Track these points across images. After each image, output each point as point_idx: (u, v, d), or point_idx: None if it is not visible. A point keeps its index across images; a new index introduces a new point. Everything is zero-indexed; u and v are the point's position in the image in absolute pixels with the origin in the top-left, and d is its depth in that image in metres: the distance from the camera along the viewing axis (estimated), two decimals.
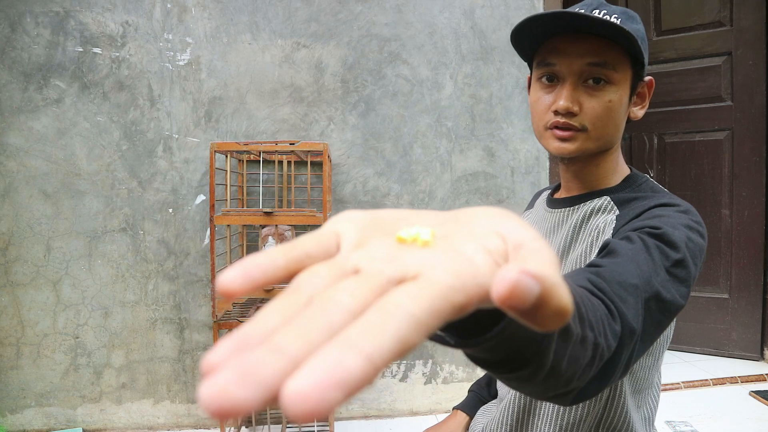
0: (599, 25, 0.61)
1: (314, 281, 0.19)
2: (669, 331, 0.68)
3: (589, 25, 0.63)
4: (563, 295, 0.18)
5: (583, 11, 0.64)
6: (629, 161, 2.52)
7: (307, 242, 0.21)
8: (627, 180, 0.71)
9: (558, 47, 0.66)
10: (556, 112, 0.66)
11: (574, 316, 0.35)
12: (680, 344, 2.38)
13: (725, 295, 2.30)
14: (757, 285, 2.23)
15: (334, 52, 1.87)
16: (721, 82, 2.27)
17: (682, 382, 2.06)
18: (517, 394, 0.73)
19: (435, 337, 0.28)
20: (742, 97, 2.23)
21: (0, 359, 1.82)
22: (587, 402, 0.66)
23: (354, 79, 1.88)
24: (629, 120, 0.71)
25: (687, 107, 2.35)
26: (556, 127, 0.67)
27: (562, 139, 0.67)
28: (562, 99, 0.65)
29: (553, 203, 0.77)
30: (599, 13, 0.65)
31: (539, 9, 1.92)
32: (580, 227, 0.69)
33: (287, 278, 0.20)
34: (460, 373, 1.97)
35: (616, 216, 0.65)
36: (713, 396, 1.99)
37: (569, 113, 0.65)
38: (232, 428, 1.69)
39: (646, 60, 0.67)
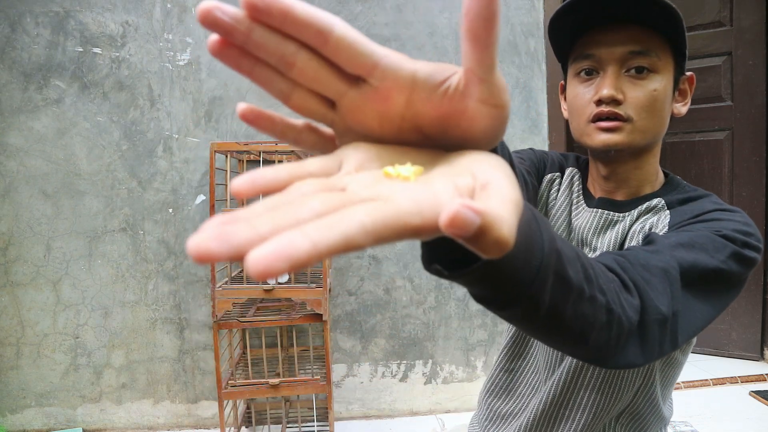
0: (643, 2, 0.58)
1: (302, 188, 0.23)
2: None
3: (632, 6, 0.60)
4: (503, 230, 0.20)
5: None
6: None
7: (312, 163, 0.26)
8: (669, 183, 0.70)
9: (596, 38, 0.64)
10: (599, 102, 0.63)
11: (579, 273, 0.37)
12: None
13: None
14: (757, 285, 2.23)
15: None
16: (721, 82, 2.27)
17: (682, 382, 2.07)
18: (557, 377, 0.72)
19: (432, 270, 0.32)
20: (742, 97, 2.23)
21: (0, 359, 1.82)
22: (619, 387, 0.66)
23: None
24: (672, 118, 0.69)
25: None
26: (600, 118, 0.64)
27: (608, 130, 0.63)
28: (605, 87, 0.62)
29: (598, 203, 0.72)
30: None
31: (539, 9, 1.92)
32: (631, 226, 0.67)
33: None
34: (460, 373, 1.97)
35: (670, 213, 0.63)
36: (713, 396, 1.99)
37: (614, 101, 0.62)
38: (232, 428, 1.69)
39: (687, 54, 0.65)
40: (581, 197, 0.75)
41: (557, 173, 0.79)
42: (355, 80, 0.28)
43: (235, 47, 0.26)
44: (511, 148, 1.87)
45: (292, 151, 1.57)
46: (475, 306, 1.96)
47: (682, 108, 0.69)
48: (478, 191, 0.23)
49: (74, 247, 1.82)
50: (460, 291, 1.95)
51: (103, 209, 1.83)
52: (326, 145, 0.32)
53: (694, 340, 0.67)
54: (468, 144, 0.29)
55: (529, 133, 1.95)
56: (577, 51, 0.67)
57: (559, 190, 0.78)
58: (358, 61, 0.26)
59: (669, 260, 0.50)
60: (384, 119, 0.29)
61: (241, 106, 0.30)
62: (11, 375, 1.83)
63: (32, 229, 1.81)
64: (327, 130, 0.32)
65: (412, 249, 1.93)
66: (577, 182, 0.76)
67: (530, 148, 0.80)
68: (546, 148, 1.96)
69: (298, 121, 0.32)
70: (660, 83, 0.63)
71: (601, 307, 0.40)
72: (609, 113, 0.63)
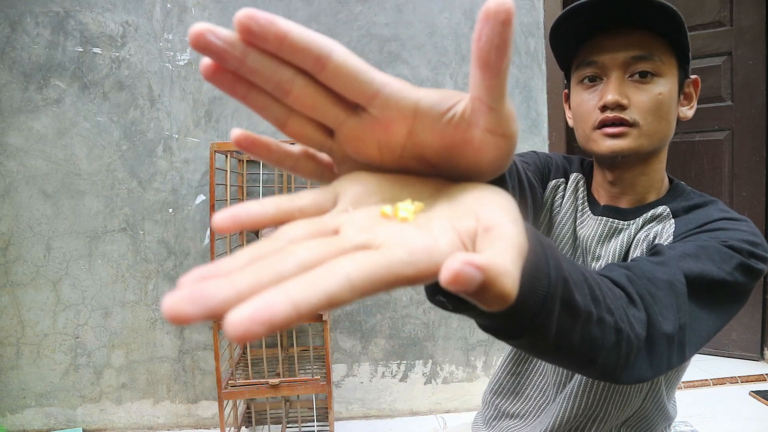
0: (645, 5, 0.58)
1: (292, 233, 0.22)
2: None
3: (634, 8, 0.59)
4: (506, 283, 0.19)
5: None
6: None
7: (303, 198, 0.24)
8: (674, 190, 0.69)
9: (598, 44, 0.64)
10: (604, 108, 0.62)
11: (587, 297, 0.37)
12: None
13: None
14: (757, 285, 2.23)
15: None
16: (721, 82, 2.27)
17: (682, 382, 2.07)
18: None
19: (436, 302, 0.31)
20: (742, 97, 2.23)
21: (0, 359, 1.82)
22: (629, 393, 0.66)
23: None
24: (678, 122, 0.68)
25: None
26: (605, 124, 0.63)
27: (614, 136, 0.62)
28: (610, 93, 0.62)
29: (603, 211, 0.71)
30: None
31: (539, 9, 1.92)
32: (636, 234, 0.66)
33: (275, 225, 0.23)
34: (460, 373, 1.97)
35: (675, 222, 0.62)
36: (713, 396, 1.99)
37: (619, 106, 0.62)
38: (232, 428, 1.69)
39: (690, 54, 0.64)
40: (586, 204, 0.74)
41: (561, 179, 0.77)
42: (355, 108, 0.27)
43: (228, 72, 0.25)
44: None
45: None
46: None
47: (688, 111, 0.69)
48: (481, 234, 0.22)
49: (74, 247, 1.82)
50: None
51: (103, 209, 1.83)
52: (324, 173, 0.31)
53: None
54: (473, 174, 0.28)
55: (529, 133, 1.95)
56: (579, 58, 0.66)
57: (564, 196, 0.76)
58: (358, 89, 0.25)
59: (675, 272, 0.49)
60: (384, 149, 0.28)
61: (236, 133, 0.29)
62: (11, 375, 1.83)
63: (32, 229, 1.81)
64: (325, 157, 0.31)
65: None
66: (582, 188, 0.75)
67: (533, 151, 0.79)
68: (546, 148, 1.96)
69: (295, 148, 0.31)
70: (665, 87, 0.62)
71: (609, 328, 0.39)
72: (614, 119, 0.62)
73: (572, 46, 0.67)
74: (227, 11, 1.83)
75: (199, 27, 0.23)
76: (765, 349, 2.25)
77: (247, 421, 1.85)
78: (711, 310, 0.51)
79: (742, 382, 2.07)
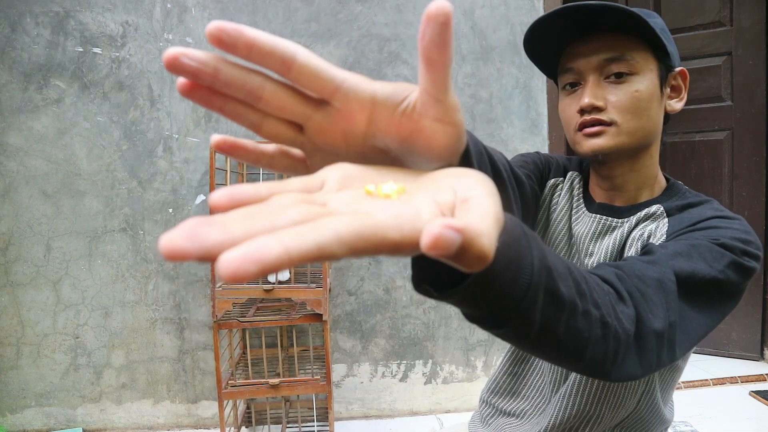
0: (607, 12, 0.60)
1: (282, 201, 0.23)
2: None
3: (597, 17, 0.61)
4: (484, 243, 0.21)
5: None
6: None
7: (293, 182, 0.26)
8: (669, 189, 0.70)
9: (573, 51, 0.66)
10: (582, 111, 0.65)
11: (572, 289, 0.37)
12: None
13: None
14: (757, 285, 2.23)
15: (334, 52, 1.87)
16: (721, 82, 2.27)
17: (682, 382, 2.07)
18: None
19: (422, 290, 0.32)
20: (742, 97, 2.23)
21: (0, 359, 1.82)
22: (623, 395, 0.66)
23: None
24: (668, 116, 0.69)
25: (687, 107, 2.33)
26: (585, 126, 0.65)
27: (592, 135, 0.65)
28: (585, 96, 0.64)
29: (597, 208, 0.72)
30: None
31: (539, 9, 1.92)
32: (630, 233, 0.67)
33: None
34: (460, 373, 1.97)
35: (668, 221, 0.63)
36: (713, 396, 1.99)
37: (595, 108, 0.64)
38: (232, 428, 1.69)
39: (671, 47, 0.64)
40: (582, 201, 0.75)
41: (561, 178, 0.79)
42: (320, 103, 0.30)
43: (203, 88, 0.28)
44: (511, 148, 1.85)
45: None
46: None
47: (676, 104, 0.69)
48: (459, 206, 0.24)
49: (74, 247, 1.82)
50: None
51: (103, 209, 1.83)
52: (298, 167, 0.34)
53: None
54: (428, 159, 0.31)
55: (529, 133, 1.95)
56: (561, 65, 0.68)
57: (560, 194, 0.78)
58: (321, 85, 0.28)
59: (665, 271, 0.49)
60: (349, 137, 0.31)
61: (215, 138, 0.32)
62: (11, 375, 1.83)
63: (32, 229, 1.81)
64: (298, 152, 0.34)
65: None
66: (578, 186, 0.76)
67: (537, 152, 0.81)
68: (546, 149, 1.96)
69: (270, 146, 0.34)
70: (642, 84, 0.63)
71: (596, 321, 0.40)
72: (592, 120, 0.64)
73: (551, 54, 0.69)
74: (227, 11, 1.83)
75: (172, 51, 0.27)
76: (765, 349, 2.25)
77: (247, 421, 1.85)
78: (701, 310, 0.52)
79: (742, 382, 2.07)
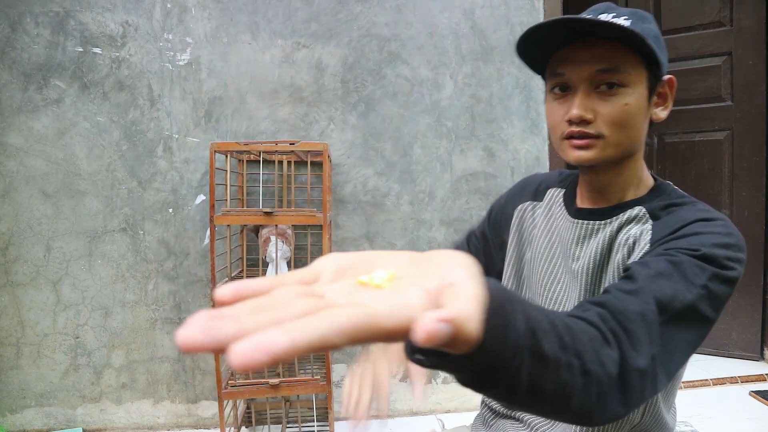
0: (605, 28, 0.60)
1: (284, 294, 0.25)
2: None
3: (595, 29, 0.61)
4: (471, 327, 0.24)
5: (590, 16, 0.63)
6: None
7: (291, 276, 0.28)
8: (655, 189, 0.70)
9: (566, 56, 0.65)
10: (570, 122, 0.65)
11: (555, 344, 0.38)
12: None
13: None
14: (757, 285, 2.23)
15: (334, 52, 1.87)
16: (721, 82, 2.27)
17: (682, 382, 2.07)
18: None
19: (415, 360, 0.33)
20: (742, 97, 2.23)
21: (0, 359, 1.82)
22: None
23: (354, 79, 1.88)
24: (652, 123, 0.69)
25: (687, 107, 2.34)
26: (572, 136, 0.65)
27: (579, 148, 0.65)
28: (575, 107, 0.63)
29: (579, 213, 0.73)
30: (607, 17, 0.63)
31: (539, 9, 1.92)
32: (615, 237, 0.67)
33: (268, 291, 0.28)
34: None
35: (652, 225, 0.63)
36: (713, 396, 1.99)
37: (583, 121, 0.64)
38: (232, 428, 1.69)
39: (663, 58, 0.64)
40: (564, 210, 0.76)
41: (528, 202, 0.82)
42: None
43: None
44: (511, 148, 1.86)
45: (292, 151, 1.58)
46: None
47: (661, 113, 0.69)
48: (445, 290, 0.26)
49: (74, 247, 1.82)
50: None
51: (103, 209, 1.83)
52: None
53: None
54: None
55: (529, 133, 1.95)
56: (549, 67, 0.68)
57: (539, 213, 0.80)
58: None
59: (647, 300, 0.50)
60: None
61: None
62: (11, 375, 1.83)
63: (32, 229, 1.81)
64: None
65: (412, 249, 1.93)
66: (559, 200, 0.77)
67: (477, 225, 0.95)
68: (545, 149, 1.96)
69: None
70: (632, 96, 0.63)
71: (577, 371, 0.41)
72: (579, 133, 0.64)
73: (542, 55, 0.68)
74: (227, 11, 1.83)
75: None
76: (765, 349, 2.25)
77: (247, 421, 1.85)
78: (685, 331, 0.52)
79: (742, 382, 2.07)
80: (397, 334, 0.24)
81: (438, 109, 1.91)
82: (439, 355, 0.32)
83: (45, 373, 1.84)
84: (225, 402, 1.55)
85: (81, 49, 1.79)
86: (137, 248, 1.84)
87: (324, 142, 1.57)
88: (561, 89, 0.66)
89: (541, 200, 0.81)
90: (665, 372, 0.49)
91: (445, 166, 1.93)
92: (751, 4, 2.18)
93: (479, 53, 1.91)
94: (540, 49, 0.67)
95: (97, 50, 1.80)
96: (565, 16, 0.60)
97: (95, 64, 1.80)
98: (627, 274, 0.55)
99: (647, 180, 0.71)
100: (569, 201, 0.76)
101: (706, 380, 2.08)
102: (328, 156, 1.66)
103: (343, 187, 1.90)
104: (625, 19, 0.63)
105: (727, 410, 1.86)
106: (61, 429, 1.85)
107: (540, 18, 1.92)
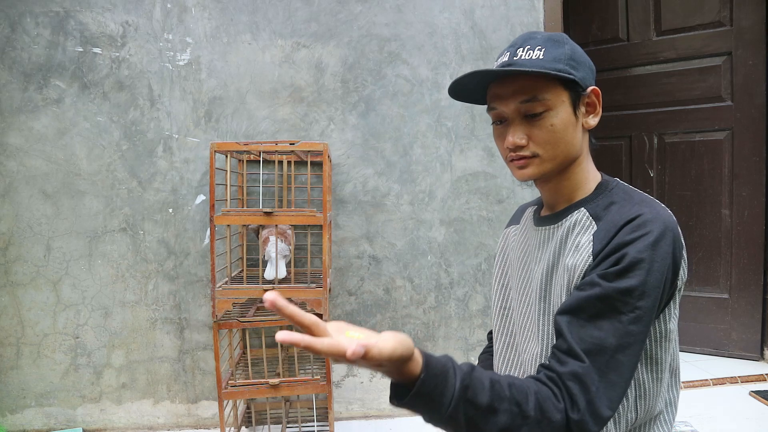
0: (512, 74, 0.71)
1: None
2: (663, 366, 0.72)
3: (507, 74, 0.72)
4: (382, 348, 0.48)
5: (506, 54, 0.74)
6: (629, 161, 2.52)
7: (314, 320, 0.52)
8: (599, 187, 0.78)
9: (494, 92, 0.75)
10: (509, 148, 0.75)
11: (489, 396, 0.57)
12: (680, 344, 2.38)
13: (725, 295, 2.30)
14: (757, 285, 2.23)
15: (334, 52, 1.87)
16: (721, 82, 2.27)
17: (682, 382, 2.06)
18: None
19: (393, 403, 0.58)
20: (742, 97, 2.23)
21: (0, 359, 1.82)
22: (646, 407, 0.72)
23: (354, 79, 1.88)
24: (586, 129, 0.77)
25: (687, 107, 2.34)
26: (513, 159, 0.75)
27: (522, 167, 0.75)
28: (509, 136, 0.74)
29: (540, 221, 0.84)
30: (523, 51, 0.73)
31: (539, 9, 1.92)
32: (564, 242, 0.75)
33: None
34: None
35: (594, 234, 0.70)
36: (713, 396, 1.99)
37: (518, 147, 0.74)
38: (232, 428, 1.69)
39: (579, 75, 0.73)
40: (532, 222, 0.86)
41: (510, 227, 0.94)
42: None
43: None
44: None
45: (292, 151, 1.58)
46: (475, 306, 1.96)
47: (592, 120, 0.77)
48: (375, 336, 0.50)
49: (74, 247, 1.82)
50: (460, 291, 1.95)
51: (103, 209, 1.83)
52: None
53: (674, 332, 0.72)
54: None
55: None
56: (488, 102, 0.78)
57: (515, 233, 0.92)
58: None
59: (578, 354, 0.62)
60: None
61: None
62: (11, 375, 1.83)
63: (32, 229, 1.81)
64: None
65: (412, 249, 1.93)
66: (530, 216, 0.88)
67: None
68: None
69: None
70: (556, 117, 0.72)
71: (516, 416, 0.57)
72: (516, 157, 0.75)
73: (479, 92, 0.79)
74: (227, 11, 1.83)
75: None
76: (765, 349, 2.25)
77: (247, 421, 1.85)
78: (620, 366, 0.62)
79: (742, 382, 2.07)
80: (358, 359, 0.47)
81: (438, 109, 1.91)
82: (402, 391, 0.55)
83: (45, 373, 1.84)
84: (225, 402, 1.55)
85: (81, 49, 1.79)
86: (137, 248, 1.84)
87: (324, 142, 1.57)
88: (499, 121, 0.77)
89: (518, 222, 0.93)
90: (605, 402, 0.60)
91: (445, 166, 1.93)
92: (751, 4, 2.18)
93: (479, 53, 1.91)
94: (471, 91, 0.78)
95: (97, 50, 1.80)
96: (477, 70, 0.71)
97: (95, 64, 1.80)
98: (557, 329, 0.66)
99: (594, 179, 0.79)
100: (537, 214, 0.87)
101: (706, 380, 2.08)
102: (328, 156, 1.66)
103: (343, 187, 1.90)
104: (539, 49, 0.72)
105: (727, 410, 1.86)
106: (61, 429, 1.85)
107: (540, 18, 1.92)
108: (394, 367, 0.51)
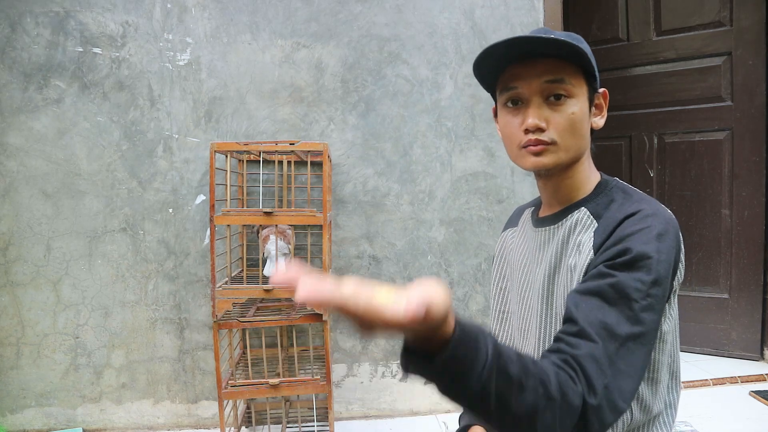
0: (551, 46, 0.68)
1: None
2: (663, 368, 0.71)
3: (542, 47, 0.69)
4: (438, 305, 0.39)
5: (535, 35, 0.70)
6: (629, 161, 2.52)
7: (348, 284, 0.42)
8: (599, 186, 0.77)
9: (516, 72, 0.72)
10: (527, 131, 0.71)
11: (519, 369, 0.49)
12: (680, 344, 2.38)
13: (725, 295, 2.30)
14: (757, 285, 2.23)
15: (334, 52, 1.87)
16: (721, 82, 2.26)
17: (682, 382, 2.06)
18: None
19: (408, 370, 0.50)
20: (742, 97, 2.23)
21: (0, 359, 1.82)
22: (648, 407, 0.71)
23: (354, 79, 1.88)
24: (592, 131, 0.77)
25: (687, 107, 2.34)
26: (529, 144, 0.72)
27: (537, 154, 0.72)
28: (530, 117, 0.71)
29: (539, 222, 0.82)
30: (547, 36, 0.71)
31: (539, 9, 1.92)
32: (566, 243, 0.74)
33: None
34: None
35: (594, 231, 0.69)
36: (713, 396, 1.99)
37: (539, 129, 0.71)
38: (232, 428, 1.69)
39: (597, 73, 0.73)
40: (531, 223, 0.85)
41: (508, 230, 0.93)
42: None
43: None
44: None
45: (292, 151, 1.58)
46: (475, 306, 1.96)
47: (599, 121, 0.77)
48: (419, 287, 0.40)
49: (74, 247, 1.82)
50: (460, 291, 1.95)
51: (103, 209, 1.83)
52: None
53: (667, 332, 0.71)
54: None
55: None
56: (501, 84, 0.75)
57: (513, 235, 0.91)
58: None
59: (591, 336, 0.58)
60: None
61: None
62: (11, 375, 1.83)
63: (32, 229, 1.81)
64: None
65: (412, 249, 1.93)
66: (528, 217, 0.87)
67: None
68: None
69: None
70: (576, 106, 0.71)
71: (541, 396, 0.50)
72: (535, 141, 0.71)
73: (493, 73, 0.75)
74: (227, 11, 1.83)
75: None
76: (765, 349, 2.25)
77: (247, 421, 1.85)
78: (633, 352, 0.59)
79: (742, 382, 2.07)
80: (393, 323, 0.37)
81: (438, 109, 1.91)
82: (425, 357, 0.46)
83: (45, 373, 1.84)
84: (225, 402, 1.55)
85: (81, 49, 1.79)
86: (137, 248, 1.84)
87: (324, 142, 1.57)
88: (513, 103, 0.73)
89: (516, 225, 0.92)
90: (621, 396, 0.57)
91: (445, 166, 1.93)
92: (751, 4, 2.18)
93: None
94: (490, 68, 0.74)
95: (97, 50, 1.80)
96: (518, 36, 0.68)
97: (95, 64, 1.80)
98: (567, 316, 0.62)
99: (594, 179, 0.78)
100: (535, 215, 0.85)
101: (706, 380, 2.08)
102: (328, 156, 1.66)
103: (343, 187, 1.90)
104: (565, 37, 0.70)
105: (727, 410, 1.86)
106: (61, 429, 1.85)
107: (540, 18, 1.92)
108: (436, 325, 0.42)
